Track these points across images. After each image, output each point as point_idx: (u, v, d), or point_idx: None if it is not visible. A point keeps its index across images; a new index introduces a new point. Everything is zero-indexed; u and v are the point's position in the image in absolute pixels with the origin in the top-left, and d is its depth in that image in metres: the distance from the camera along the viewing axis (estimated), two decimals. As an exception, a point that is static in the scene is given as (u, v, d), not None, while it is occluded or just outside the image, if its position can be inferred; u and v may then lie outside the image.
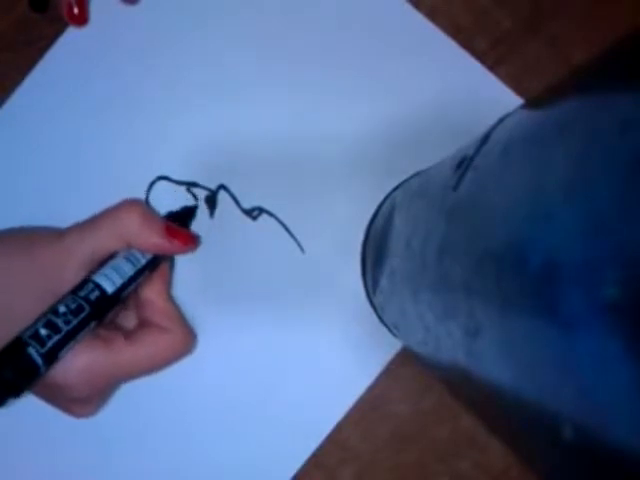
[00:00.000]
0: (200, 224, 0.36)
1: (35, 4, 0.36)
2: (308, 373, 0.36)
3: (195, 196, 0.36)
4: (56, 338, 0.27)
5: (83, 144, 0.37)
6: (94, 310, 0.29)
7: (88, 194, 0.36)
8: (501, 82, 0.37)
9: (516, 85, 0.37)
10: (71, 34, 0.37)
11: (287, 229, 0.36)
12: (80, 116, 0.37)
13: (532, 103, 0.18)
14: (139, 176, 0.36)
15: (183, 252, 0.34)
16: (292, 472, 0.36)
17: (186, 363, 0.35)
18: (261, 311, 0.36)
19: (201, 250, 0.36)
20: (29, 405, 0.32)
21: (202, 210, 0.37)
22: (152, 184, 0.36)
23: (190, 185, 0.36)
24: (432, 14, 0.37)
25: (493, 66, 0.37)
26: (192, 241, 0.34)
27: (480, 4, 0.37)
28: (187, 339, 0.32)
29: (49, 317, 0.28)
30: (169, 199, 0.36)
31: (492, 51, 0.37)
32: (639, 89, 0.11)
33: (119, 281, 0.30)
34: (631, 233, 0.10)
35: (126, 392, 0.35)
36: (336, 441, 0.36)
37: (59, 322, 0.28)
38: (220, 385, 0.36)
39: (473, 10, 0.37)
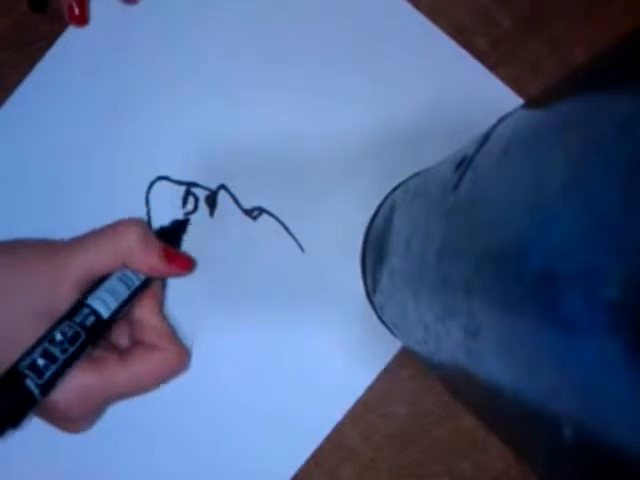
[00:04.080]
0: (200, 224, 0.36)
1: (35, 4, 0.36)
2: (308, 373, 0.36)
3: (195, 196, 0.36)
4: (54, 368, 0.27)
5: (83, 144, 0.37)
6: (90, 336, 0.29)
7: (88, 194, 0.36)
8: (501, 82, 0.37)
9: (516, 85, 0.37)
10: (71, 34, 0.37)
11: (287, 229, 0.36)
12: (80, 116, 0.37)
13: (532, 103, 0.18)
14: (139, 176, 0.36)
15: (178, 276, 0.33)
16: (292, 472, 0.36)
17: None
18: (261, 311, 0.36)
19: (201, 250, 0.36)
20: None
21: (202, 210, 0.37)
22: (152, 184, 0.36)
23: (190, 185, 0.36)
24: (432, 14, 0.37)
25: (493, 66, 0.37)
26: (189, 265, 0.33)
27: (480, 4, 0.37)
28: (180, 356, 0.32)
29: (46, 346, 0.27)
30: (169, 199, 0.36)
31: (492, 51, 0.37)
32: (639, 89, 0.11)
33: (114, 304, 0.30)
34: (631, 233, 0.10)
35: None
36: (336, 441, 0.36)
37: (56, 351, 0.27)
38: (220, 385, 0.36)
39: (473, 10, 0.37)
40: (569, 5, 0.37)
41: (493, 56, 0.37)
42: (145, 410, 0.36)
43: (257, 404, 0.36)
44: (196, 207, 0.36)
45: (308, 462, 0.36)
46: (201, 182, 0.36)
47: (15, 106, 0.36)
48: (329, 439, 0.36)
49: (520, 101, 0.37)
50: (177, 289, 0.36)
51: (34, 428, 0.36)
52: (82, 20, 0.36)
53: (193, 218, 0.36)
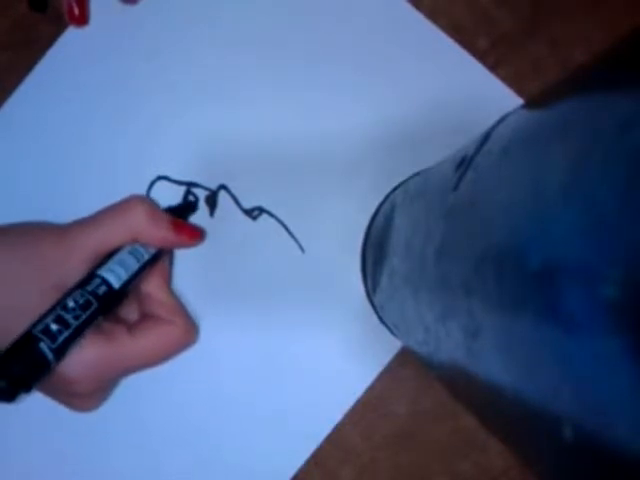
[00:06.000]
0: (200, 224, 0.36)
1: (35, 4, 0.36)
2: (308, 373, 0.36)
3: (195, 196, 0.36)
4: (67, 333, 0.27)
5: (83, 144, 0.37)
6: (102, 305, 0.29)
7: (88, 194, 0.36)
8: (501, 82, 0.37)
9: (516, 85, 0.37)
10: (71, 34, 0.37)
11: (287, 229, 0.36)
12: (80, 116, 0.37)
13: (532, 103, 0.18)
14: (139, 176, 0.36)
15: (189, 246, 0.34)
16: (292, 472, 0.36)
17: (186, 362, 0.35)
18: (261, 311, 0.36)
19: (201, 250, 0.36)
20: (29, 401, 0.32)
21: (202, 210, 0.37)
22: (152, 184, 0.36)
23: (190, 185, 0.36)
24: (432, 14, 0.37)
25: (493, 66, 0.37)
26: (198, 235, 0.34)
27: (480, 4, 0.37)
28: (189, 329, 0.33)
29: (59, 312, 0.28)
30: (169, 199, 0.36)
31: (492, 51, 0.37)
32: (639, 89, 0.11)
33: (125, 276, 0.30)
34: (631, 232, 0.10)
35: (126, 392, 0.35)
36: (336, 441, 0.36)
37: (69, 317, 0.28)
38: (220, 385, 0.36)
39: (473, 10, 0.37)
40: (569, 5, 0.37)
41: (493, 56, 0.37)
42: (145, 409, 0.36)
43: (257, 404, 0.36)
44: (196, 207, 0.36)
45: (308, 462, 0.36)
46: (201, 182, 0.36)
47: (15, 107, 0.36)
48: (329, 439, 0.36)
49: (520, 101, 0.37)
50: (177, 289, 0.36)
51: (34, 426, 0.36)
52: (82, 20, 0.36)
53: (193, 218, 0.36)
